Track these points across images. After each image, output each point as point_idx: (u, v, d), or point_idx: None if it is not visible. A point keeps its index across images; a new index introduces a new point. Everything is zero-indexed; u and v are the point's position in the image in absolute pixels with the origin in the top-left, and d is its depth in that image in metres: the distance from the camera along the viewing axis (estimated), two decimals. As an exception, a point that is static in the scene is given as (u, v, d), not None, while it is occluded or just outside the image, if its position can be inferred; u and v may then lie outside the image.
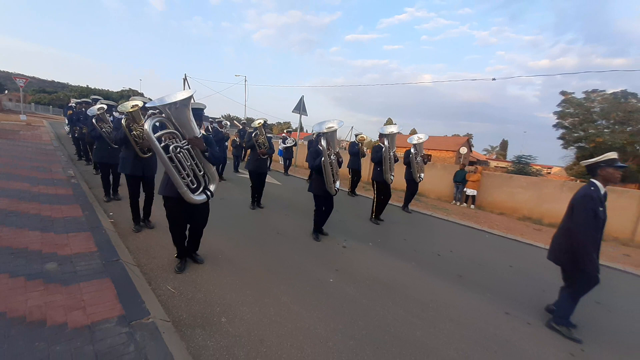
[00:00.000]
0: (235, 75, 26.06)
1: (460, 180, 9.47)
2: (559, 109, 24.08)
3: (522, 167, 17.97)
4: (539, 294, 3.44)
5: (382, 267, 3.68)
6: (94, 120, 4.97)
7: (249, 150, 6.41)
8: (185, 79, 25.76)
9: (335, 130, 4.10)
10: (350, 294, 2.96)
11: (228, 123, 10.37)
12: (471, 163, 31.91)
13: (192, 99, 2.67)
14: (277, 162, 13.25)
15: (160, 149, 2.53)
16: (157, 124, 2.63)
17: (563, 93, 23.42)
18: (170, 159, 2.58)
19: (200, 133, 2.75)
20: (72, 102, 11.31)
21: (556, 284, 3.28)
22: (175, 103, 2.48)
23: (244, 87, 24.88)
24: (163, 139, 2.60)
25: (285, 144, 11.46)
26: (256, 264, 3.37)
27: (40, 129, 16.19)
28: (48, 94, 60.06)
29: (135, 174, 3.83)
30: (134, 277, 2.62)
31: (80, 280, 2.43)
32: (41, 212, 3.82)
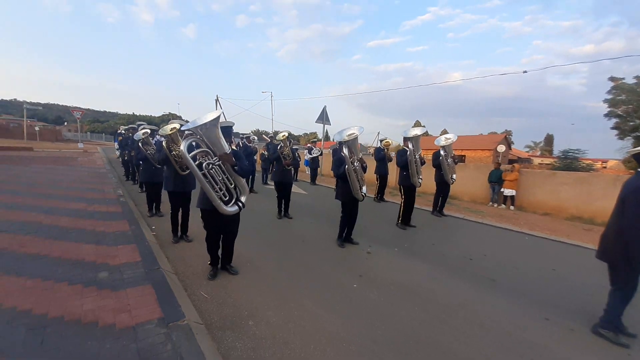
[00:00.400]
0: (262, 92, 27.54)
1: (496, 180, 8.95)
2: (610, 96, 21.91)
3: (569, 162, 16.47)
4: (585, 298, 3.16)
5: (408, 272, 3.62)
6: (140, 144, 5.51)
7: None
8: (217, 100, 27.48)
9: (357, 137, 4.11)
10: (374, 299, 2.96)
11: (256, 138, 10.90)
12: (511, 162, 29.86)
13: (220, 118, 2.90)
14: (304, 172, 13.52)
15: (195, 166, 2.76)
16: (193, 143, 2.87)
17: (612, 79, 21.33)
18: (204, 175, 2.80)
19: (229, 149, 2.96)
20: (121, 129, 12.62)
21: (606, 288, 3.00)
22: (205, 124, 2.73)
23: (270, 103, 25.96)
24: (197, 157, 2.84)
25: (311, 154, 11.73)
26: (282, 271, 3.50)
27: (94, 155, 18.16)
28: (101, 123, 67.46)
29: (177, 190, 4.18)
30: (172, 283, 2.87)
31: (127, 287, 2.73)
32: (96, 228, 4.32)
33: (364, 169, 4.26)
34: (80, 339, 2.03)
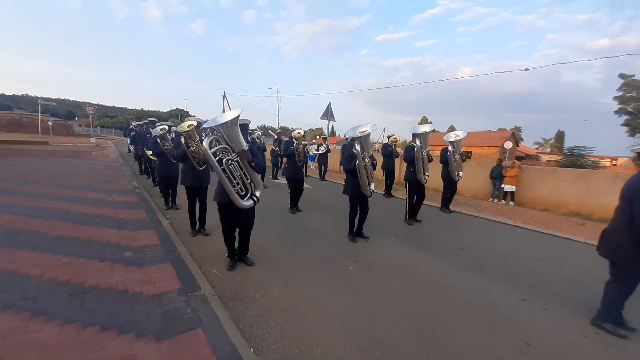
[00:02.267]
0: (269, 88, 27.90)
1: (497, 176, 9.13)
2: (620, 93, 21.59)
3: (575, 159, 16.39)
4: (563, 284, 3.41)
5: (402, 258, 3.92)
6: (157, 139, 5.65)
7: (284, 159, 6.96)
8: (224, 96, 27.90)
9: (369, 134, 4.21)
10: (369, 279, 3.28)
11: (262, 135, 11.18)
12: (518, 158, 29.58)
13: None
14: (310, 167, 13.82)
15: (216, 162, 2.93)
16: (214, 140, 3.05)
17: (622, 76, 20.97)
18: (224, 170, 2.93)
19: (246, 146, 3.14)
20: (133, 124, 13.07)
21: (587, 275, 3.26)
22: (226, 122, 2.92)
23: (276, 98, 26.27)
24: (217, 153, 3.00)
25: (318, 150, 11.98)
26: (287, 255, 3.83)
27: (107, 149, 18.76)
28: (110, 118, 68.88)
29: (194, 185, 4.37)
30: (188, 262, 3.24)
31: (150, 264, 3.11)
32: (117, 215, 4.73)
33: (374, 166, 4.38)
34: (115, 302, 2.41)
